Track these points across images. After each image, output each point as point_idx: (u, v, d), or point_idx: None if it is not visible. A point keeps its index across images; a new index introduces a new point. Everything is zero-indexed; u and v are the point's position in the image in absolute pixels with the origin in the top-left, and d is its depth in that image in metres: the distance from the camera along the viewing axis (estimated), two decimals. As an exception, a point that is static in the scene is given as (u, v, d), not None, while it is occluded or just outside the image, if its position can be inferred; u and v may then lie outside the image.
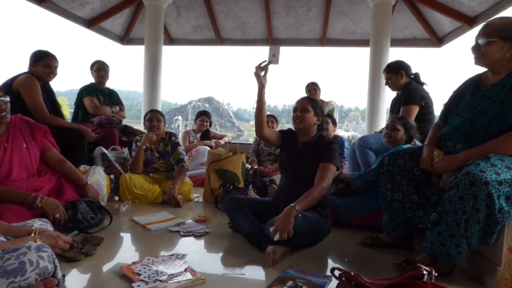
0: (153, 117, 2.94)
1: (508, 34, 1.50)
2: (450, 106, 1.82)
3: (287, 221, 1.64)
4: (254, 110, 2.00)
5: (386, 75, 2.81)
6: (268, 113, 4.25)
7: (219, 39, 6.59)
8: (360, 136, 3.47)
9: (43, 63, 2.67)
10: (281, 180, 2.16)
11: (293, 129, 2.12)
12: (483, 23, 1.58)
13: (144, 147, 2.86)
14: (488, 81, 1.64)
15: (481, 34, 1.55)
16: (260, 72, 1.93)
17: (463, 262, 1.66)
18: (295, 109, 2.06)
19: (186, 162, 2.96)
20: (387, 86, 2.96)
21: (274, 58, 1.95)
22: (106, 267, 1.52)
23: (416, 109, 2.64)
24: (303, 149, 2.03)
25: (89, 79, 3.46)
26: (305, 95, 4.14)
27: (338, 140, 3.50)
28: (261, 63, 1.93)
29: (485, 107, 1.57)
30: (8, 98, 1.87)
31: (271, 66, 1.96)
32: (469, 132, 1.60)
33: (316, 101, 2.08)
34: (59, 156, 2.18)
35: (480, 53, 1.57)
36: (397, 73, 2.74)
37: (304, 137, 2.05)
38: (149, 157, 2.93)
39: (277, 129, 3.96)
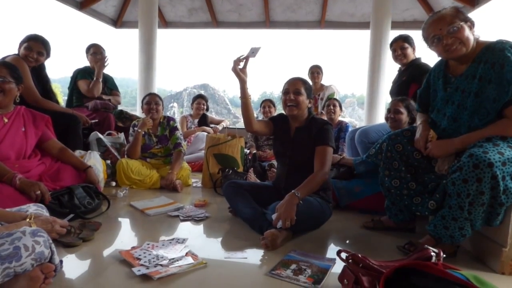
0: (152, 100, 2.86)
1: (463, 16, 1.49)
2: (424, 97, 1.78)
3: (289, 209, 1.61)
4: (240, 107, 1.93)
5: (401, 44, 2.72)
6: (264, 98, 4.21)
7: (215, 22, 6.43)
8: (358, 125, 3.41)
9: (26, 44, 2.55)
10: (278, 168, 2.11)
11: (284, 113, 2.02)
12: (437, 17, 1.52)
13: (142, 132, 2.80)
14: (456, 69, 1.59)
15: (448, 23, 1.46)
16: (237, 66, 1.83)
17: (466, 243, 1.65)
18: (286, 91, 1.92)
19: (184, 147, 2.90)
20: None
21: (252, 54, 1.87)
22: (105, 252, 1.49)
23: None
24: (296, 135, 1.95)
25: (83, 64, 3.35)
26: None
27: (343, 125, 3.45)
28: (239, 57, 1.84)
29: (463, 101, 1.53)
30: (7, 80, 1.89)
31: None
32: (457, 131, 1.56)
33: (308, 82, 1.97)
34: (60, 145, 2.20)
35: (457, 40, 1.46)
36: (412, 45, 2.71)
37: (297, 122, 1.97)
38: (147, 142, 2.88)
39: (274, 114, 3.92)
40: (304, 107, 1.91)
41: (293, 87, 1.90)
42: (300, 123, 1.96)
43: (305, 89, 1.91)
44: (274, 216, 1.63)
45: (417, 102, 1.86)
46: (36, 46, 2.57)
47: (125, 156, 2.88)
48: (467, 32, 1.47)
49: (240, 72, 1.84)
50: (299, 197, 1.66)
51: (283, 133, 2.01)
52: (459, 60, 1.55)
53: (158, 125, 2.92)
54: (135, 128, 2.83)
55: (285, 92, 1.93)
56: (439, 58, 1.69)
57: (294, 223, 1.59)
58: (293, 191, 1.67)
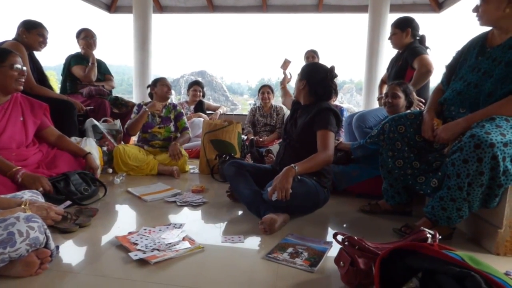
0: (167, 82, 2.98)
1: None
2: (454, 68, 1.74)
3: (284, 181, 1.60)
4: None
5: (391, 29, 2.67)
6: (264, 84, 4.17)
7: (211, 6, 6.30)
8: (356, 110, 3.38)
9: (37, 31, 2.59)
10: (281, 144, 2.16)
11: None
12: None
13: (149, 112, 2.85)
14: (494, 40, 1.56)
15: None
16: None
17: (462, 225, 1.66)
18: None
19: (190, 133, 3.03)
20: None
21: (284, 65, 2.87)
22: (102, 238, 1.49)
23: (429, 58, 2.47)
24: (299, 114, 2.00)
25: (76, 50, 3.29)
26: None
27: (337, 109, 3.42)
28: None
29: (490, 69, 1.50)
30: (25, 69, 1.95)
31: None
32: (473, 96, 1.54)
33: (306, 66, 2.02)
34: (57, 132, 2.20)
35: (479, 13, 1.51)
36: (404, 30, 2.58)
37: (302, 102, 2.03)
38: (150, 121, 2.91)
39: (273, 100, 3.91)
40: (296, 87, 2.03)
41: None
42: (305, 102, 2.00)
43: (300, 73, 2.01)
44: (269, 189, 1.62)
45: (443, 73, 1.82)
46: (46, 32, 2.65)
47: (125, 130, 2.93)
48: (491, 6, 1.46)
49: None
50: (296, 170, 1.65)
51: (294, 112, 2.09)
52: (504, 29, 1.51)
53: (164, 107, 2.98)
54: (144, 107, 2.85)
55: None
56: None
57: (288, 197, 1.58)
58: (291, 165, 1.66)
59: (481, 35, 1.66)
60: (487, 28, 1.61)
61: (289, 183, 1.60)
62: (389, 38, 2.71)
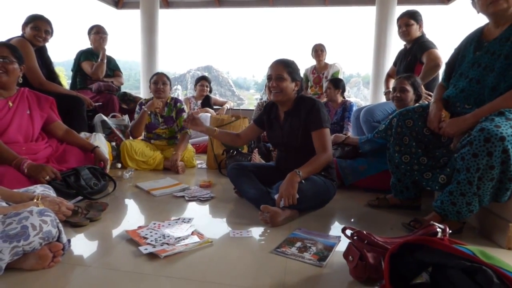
0: (159, 79, 2.81)
1: None
2: (453, 65, 1.72)
3: (290, 187, 1.61)
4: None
5: (405, 21, 2.63)
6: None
7: (217, 1, 6.28)
8: (363, 104, 3.35)
9: (32, 25, 2.55)
10: (278, 154, 2.10)
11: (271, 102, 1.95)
12: None
13: (148, 112, 2.81)
14: (490, 34, 1.55)
15: None
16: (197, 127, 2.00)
17: (472, 220, 1.65)
18: (269, 77, 1.82)
19: (189, 131, 2.93)
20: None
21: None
22: (112, 232, 1.51)
23: (437, 52, 2.47)
24: (285, 121, 1.89)
25: (86, 46, 3.32)
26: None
27: (347, 104, 3.41)
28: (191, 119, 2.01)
29: (490, 63, 1.49)
30: (10, 60, 1.86)
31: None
32: (477, 92, 1.53)
33: (292, 64, 1.83)
34: (65, 127, 2.22)
35: None
36: (418, 21, 2.59)
37: (285, 107, 1.89)
38: (153, 121, 2.87)
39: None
40: (289, 92, 1.81)
41: (275, 72, 1.79)
42: (288, 107, 1.88)
43: (288, 73, 1.79)
44: (276, 196, 1.63)
45: (443, 71, 1.82)
46: (43, 25, 2.58)
47: (129, 133, 2.91)
48: None
49: (202, 129, 2.03)
50: (301, 175, 1.65)
51: (273, 121, 1.97)
52: (497, 21, 1.51)
53: (165, 105, 2.90)
54: (142, 107, 2.82)
55: (268, 78, 1.84)
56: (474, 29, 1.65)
57: (295, 202, 1.59)
58: (295, 170, 1.66)
59: (476, 30, 1.64)
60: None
61: (295, 188, 1.61)
62: (402, 30, 2.66)
